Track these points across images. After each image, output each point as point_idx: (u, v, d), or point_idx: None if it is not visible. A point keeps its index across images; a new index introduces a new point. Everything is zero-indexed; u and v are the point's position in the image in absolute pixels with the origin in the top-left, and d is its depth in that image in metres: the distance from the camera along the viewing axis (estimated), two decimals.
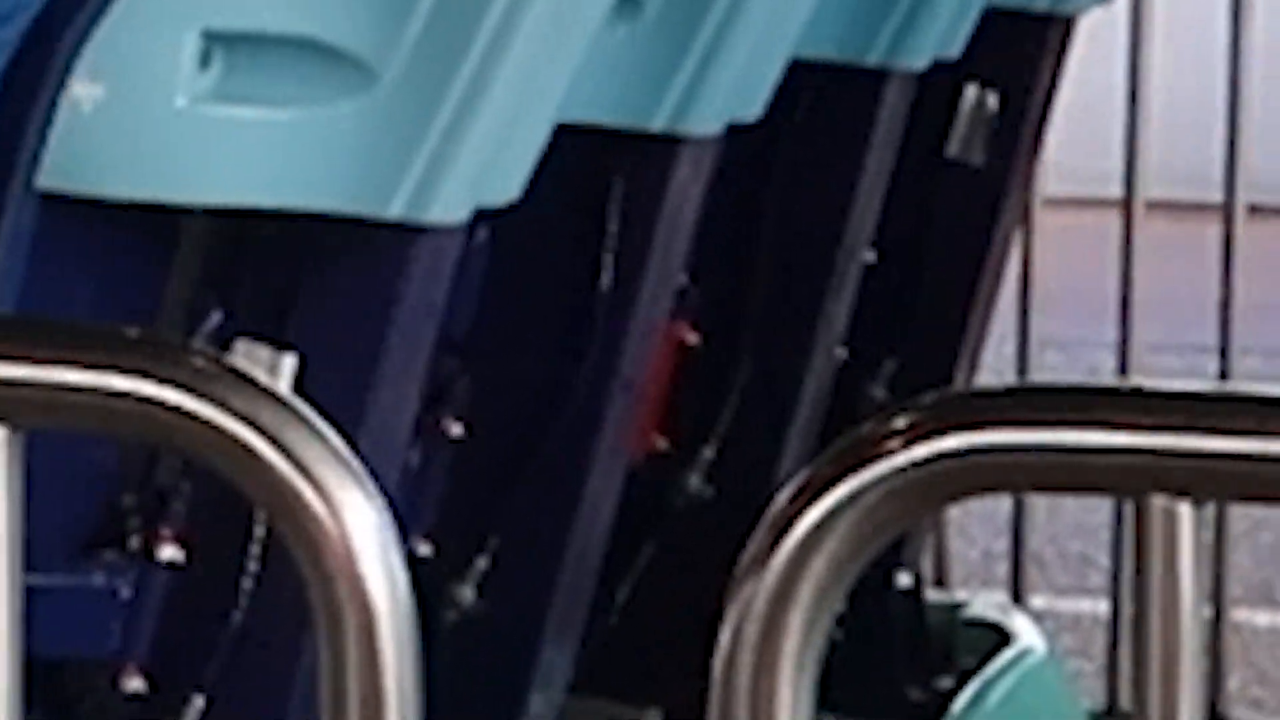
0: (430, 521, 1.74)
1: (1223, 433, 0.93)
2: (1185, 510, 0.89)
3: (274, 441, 0.97)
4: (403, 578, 0.98)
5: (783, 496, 0.91)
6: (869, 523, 0.88)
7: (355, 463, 0.99)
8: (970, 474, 0.99)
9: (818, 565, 0.89)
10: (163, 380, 1.01)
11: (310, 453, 0.96)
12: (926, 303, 2.37)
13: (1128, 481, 0.96)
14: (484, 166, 1.50)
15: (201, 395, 1.01)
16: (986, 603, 2.90)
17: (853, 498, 0.88)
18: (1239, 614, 3.68)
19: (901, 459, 0.88)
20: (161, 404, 1.01)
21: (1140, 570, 0.91)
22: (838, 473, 0.90)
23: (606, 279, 1.82)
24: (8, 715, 0.94)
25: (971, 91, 2.40)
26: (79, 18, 1.43)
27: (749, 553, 0.89)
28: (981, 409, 1.13)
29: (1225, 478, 1.01)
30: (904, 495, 0.91)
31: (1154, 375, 3.55)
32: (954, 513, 3.35)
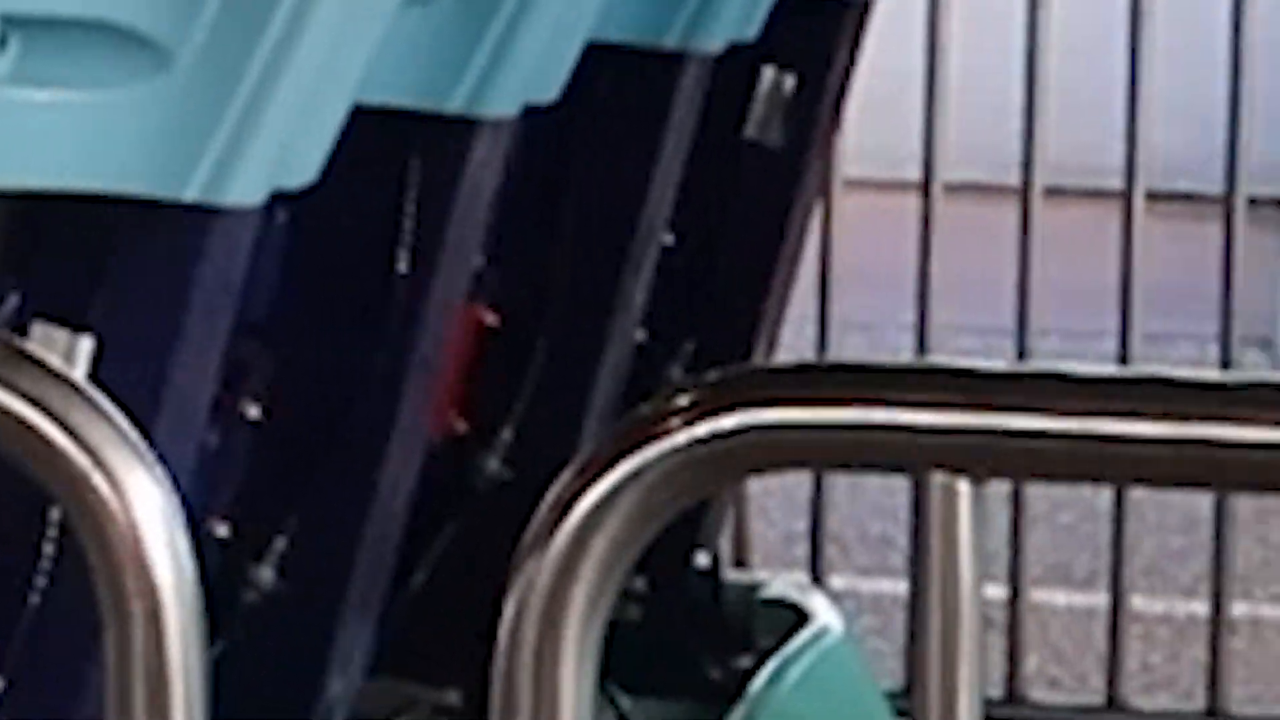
0: (228, 503, 1.73)
1: (1001, 410, 1.03)
2: (964, 487, 0.98)
3: (62, 425, 1.01)
4: (190, 563, 0.97)
5: (565, 476, 0.90)
6: (650, 501, 0.88)
7: (144, 446, 1.02)
8: (751, 452, 1.08)
9: (599, 543, 0.90)
10: None
11: (98, 435, 1.00)
12: (724, 284, 2.41)
13: (907, 458, 1.06)
14: (281, 149, 1.51)
15: None
16: (785, 583, 2.90)
17: (633, 476, 0.89)
18: (1038, 594, 3.77)
19: (682, 437, 0.95)
20: None
21: (919, 547, 1.02)
22: (619, 452, 0.91)
23: (404, 261, 1.82)
24: None
25: (769, 73, 2.43)
26: None
27: (532, 531, 0.89)
28: (762, 387, 1.24)
29: (1005, 455, 1.11)
30: (685, 473, 0.97)
31: (953, 356, 3.55)
32: (754, 493, 3.42)
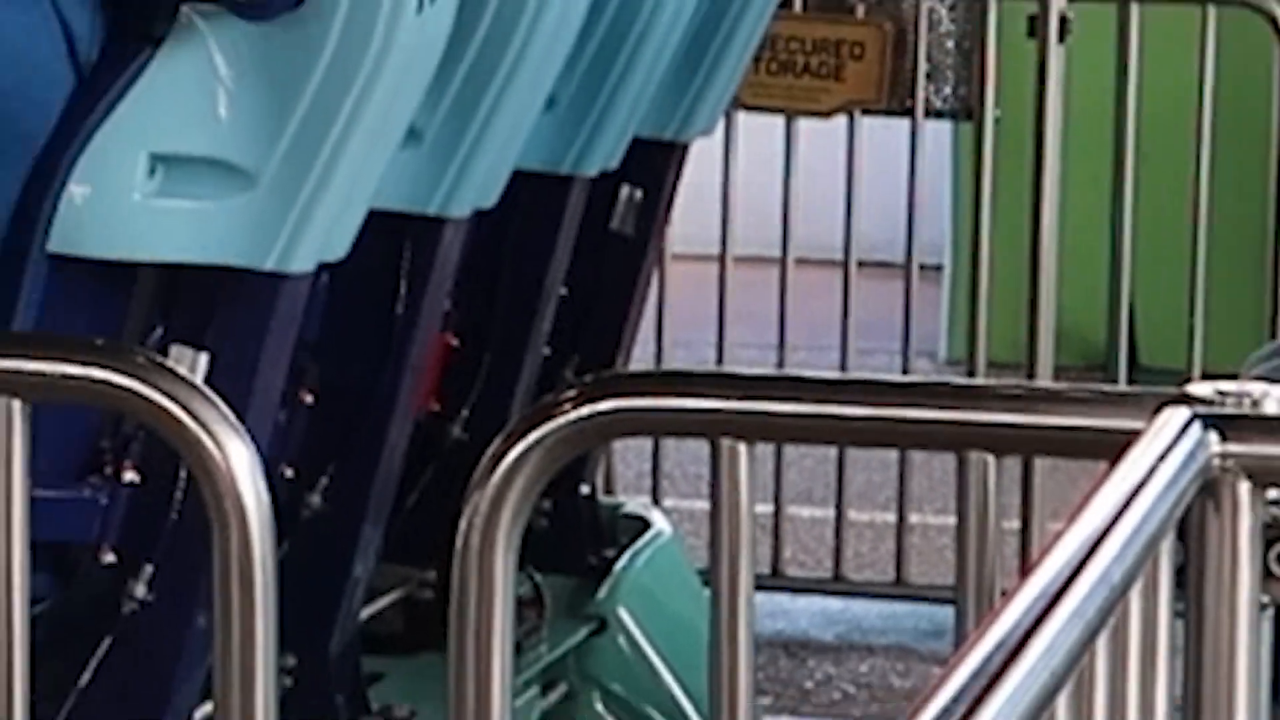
0: (292, 455, 1.69)
1: (766, 399, 1.07)
2: (742, 448, 1.04)
3: (186, 409, 1.04)
4: (266, 494, 0.99)
5: (499, 440, 0.97)
6: (552, 454, 0.97)
7: (237, 422, 1.06)
8: (614, 424, 1.14)
9: (520, 480, 0.97)
10: (120, 370, 1.07)
11: (209, 416, 1.04)
12: (600, 321, 2.38)
13: (707, 428, 1.11)
14: (326, 235, 1.49)
15: (144, 380, 1.07)
16: (636, 504, 2.86)
17: (541, 439, 0.96)
18: (791, 509, 3.68)
19: (572, 415, 1.00)
20: (119, 386, 1.07)
21: (715, 491, 1.04)
22: (532, 425, 0.98)
23: (400, 306, 1.75)
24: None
25: (625, 189, 2.38)
26: (77, 139, 1.38)
27: (479, 473, 0.97)
28: (621, 385, 1.30)
29: (769, 427, 1.17)
30: (573, 437, 1.02)
31: (739, 364, 3.53)
32: (617, 448, 3.33)
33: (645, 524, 2.57)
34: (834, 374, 2.81)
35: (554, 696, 2.30)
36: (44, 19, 1.38)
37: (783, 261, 3.70)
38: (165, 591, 1.44)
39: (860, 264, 3.75)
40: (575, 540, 2.33)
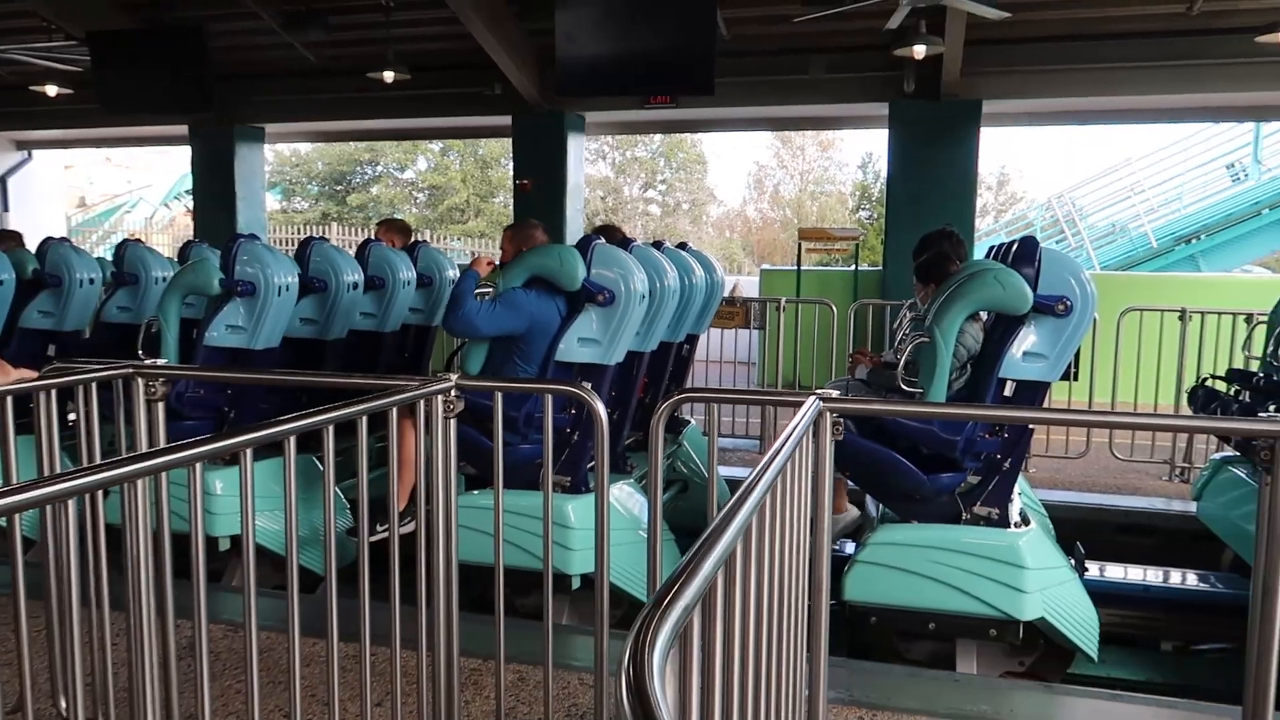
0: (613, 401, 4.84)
1: None
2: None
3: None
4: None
5: (661, 403, 3.41)
6: (670, 408, 2.67)
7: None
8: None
9: (666, 410, 2.74)
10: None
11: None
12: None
13: None
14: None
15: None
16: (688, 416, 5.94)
17: (665, 403, 2.70)
18: None
19: (675, 398, 3.14)
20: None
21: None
22: (665, 399, 2.72)
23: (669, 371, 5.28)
24: None
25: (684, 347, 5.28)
26: (559, 339, 4.22)
27: (657, 409, 2.57)
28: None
29: None
30: (673, 402, 3.34)
31: None
32: None
33: (686, 421, 5.68)
34: None
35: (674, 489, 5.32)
36: (555, 305, 4.22)
37: None
38: None
39: None
40: (673, 423, 5.23)
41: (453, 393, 2.41)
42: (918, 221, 7.94)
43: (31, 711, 2.34)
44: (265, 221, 12.55)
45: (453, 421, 2.41)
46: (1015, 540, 3.65)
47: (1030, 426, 3.94)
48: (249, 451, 1.85)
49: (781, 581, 1.77)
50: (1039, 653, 3.84)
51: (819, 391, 2.43)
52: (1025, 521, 3.86)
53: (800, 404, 2.21)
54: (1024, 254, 3.77)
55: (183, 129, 11.99)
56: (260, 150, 12.29)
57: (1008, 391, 3.74)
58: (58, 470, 2.44)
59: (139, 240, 5.93)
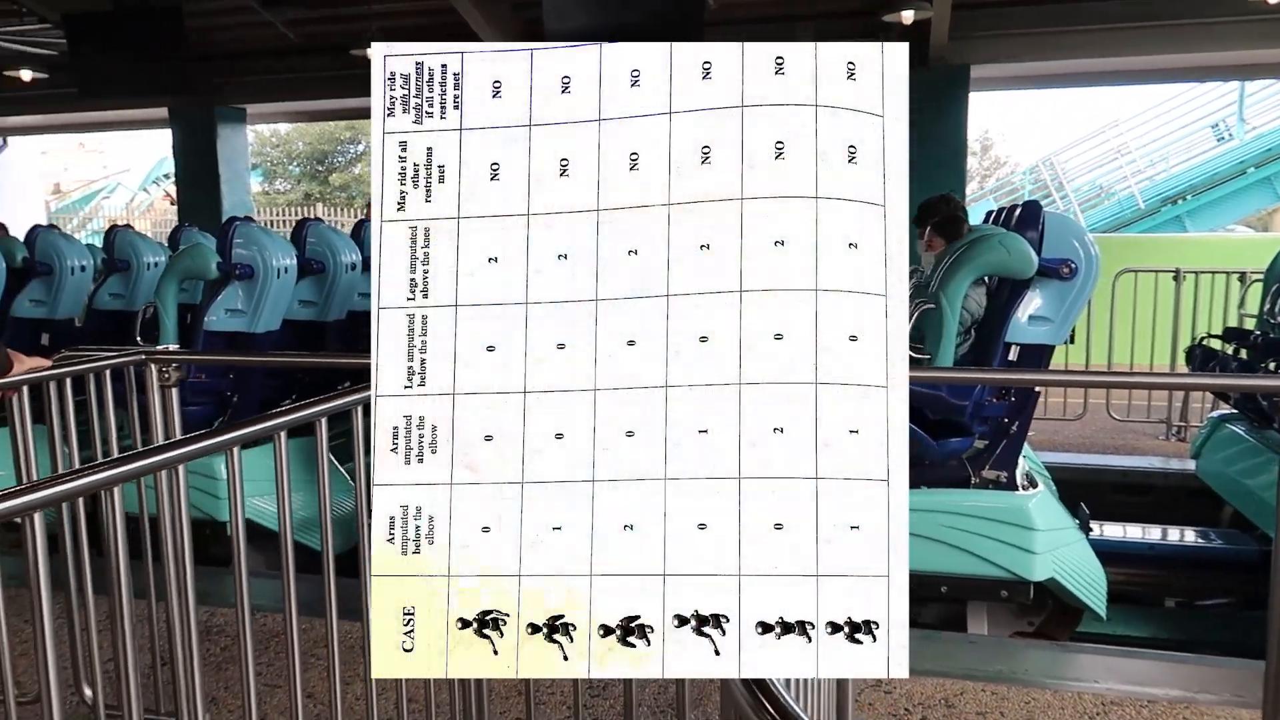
0: None
1: None
2: None
3: None
4: None
5: None
6: None
7: None
8: None
9: None
10: None
11: None
12: None
13: None
14: None
15: None
16: None
17: None
18: None
19: None
20: None
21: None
22: None
23: None
24: None
25: None
26: None
27: None
28: None
29: None
30: None
31: None
32: None
33: None
34: None
35: None
36: None
37: None
38: None
39: None
40: None
41: None
42: (909, 189, 7.96)
43: (58, 701, 2.34)
44: (251, 204, 12.46)
45: None
46: (1025, 503, 3.70)
47: (1036, 389, 3.98)
48: (284, 434, 1.87)
49: None
50: (1047, 612, 3.91)
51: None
52: (1033, 484, 3.91)
53: None
54: (1028, 218, 3.81)
55: (163, 112, 11.85)
56: (243, 131, 12.18)
57: (1012, 356, 3.78)
58: (74, 459, 2.46)
59: (129, 226, 5.94)
